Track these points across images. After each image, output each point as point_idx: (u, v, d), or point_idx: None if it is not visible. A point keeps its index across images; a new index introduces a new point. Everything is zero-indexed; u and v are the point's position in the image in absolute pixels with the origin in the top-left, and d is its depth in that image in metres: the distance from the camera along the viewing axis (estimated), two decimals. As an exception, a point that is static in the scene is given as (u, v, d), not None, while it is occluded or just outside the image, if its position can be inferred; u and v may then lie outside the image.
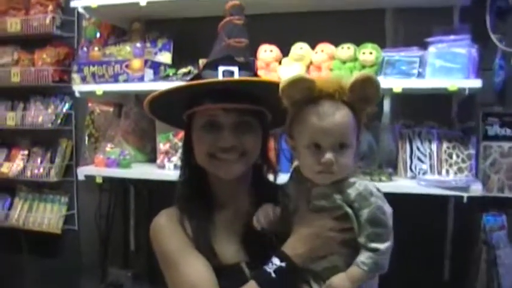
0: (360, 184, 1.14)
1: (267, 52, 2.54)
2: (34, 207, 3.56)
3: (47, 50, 3.41)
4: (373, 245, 1.10)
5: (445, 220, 2.65)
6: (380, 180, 2.34)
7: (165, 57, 2.89)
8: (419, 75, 2.30)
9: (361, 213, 1.11)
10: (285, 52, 2.55)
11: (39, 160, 3.54)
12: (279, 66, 2.53)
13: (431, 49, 2.31)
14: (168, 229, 1.31)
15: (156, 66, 2.75)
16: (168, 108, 1.34)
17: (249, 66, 1.37)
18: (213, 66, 1.27)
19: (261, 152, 1.33)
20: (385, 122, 2.72)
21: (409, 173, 2.42)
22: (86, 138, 3.23)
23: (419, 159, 2.42)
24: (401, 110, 2.69)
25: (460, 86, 2.17)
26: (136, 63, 2.65)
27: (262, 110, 1.30)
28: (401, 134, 2.46)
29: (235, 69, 1.26)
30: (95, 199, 3.35)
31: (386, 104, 2.71)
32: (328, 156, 1.10)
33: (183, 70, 2.70)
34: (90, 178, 2.83)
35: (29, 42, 3.49)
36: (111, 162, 2.79)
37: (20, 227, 3.52)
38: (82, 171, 2.83)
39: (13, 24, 3.39)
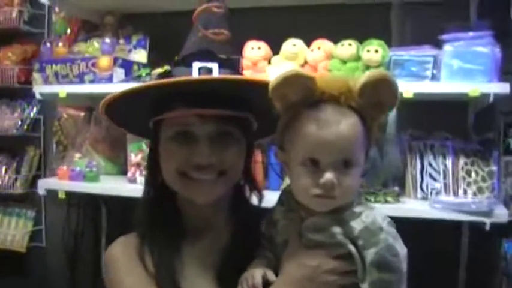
0: (367, 216, 0.95)
1: (254, 49, 2.24)
2: (-1, 222, 3.23)
3: (13, 47, 3.12)
4: None
5: (459, 245, 2.37)
6: (386, 202, 2.02)
7: (140, 56, 2.57)
8: (434, 77, 2.00)
9: (366, 254, 0.93)
10: (276, 50, 2.26)
11: (3, 170, 3.21)
12: (268, 65, 2.26)
13: (448, 47, 1.99)
14: (123, 263, 1.13)
15: (128, 65, 2.42)
16: (131, 114, 1.16)
17: (231, 64, 1.17)
18: (187, 62, 1.09)
19: (244, 168, 1.16)
20: (390, 132, 2.39)
21: (419, 193, 2.10)
22: (54, 146, 2.92)
23: (431, 176, 2.10)
24: (409, 118, 2.38)
25: (483, 91, 1.86)
26: (104, 61, 2.33)
27: (246, 117, 1.12)
28: (410, 147, 2.15)
29: (214, 66, 1.08)
30: (64, 214, 3.06)
31: (392, 112, 2.37)
32: (329, 176, 0.91)
33: (159, 70, 2.34)
34: (52, 193, 2.48)
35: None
36: (76, 174, 2.46)
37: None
38: (43, 185, 2.50)
39: (-23, 20, 3.07)
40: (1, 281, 3.26)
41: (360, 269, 0.94)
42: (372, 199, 2.01)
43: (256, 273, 1.02)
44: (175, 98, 1.05)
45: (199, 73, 1.06)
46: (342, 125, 0.92)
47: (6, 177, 3.15)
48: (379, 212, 0.98)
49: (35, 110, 3.14)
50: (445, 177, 2.07)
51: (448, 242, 2.34)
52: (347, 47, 2.06)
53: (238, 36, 2.20)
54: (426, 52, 2.02)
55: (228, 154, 1.09)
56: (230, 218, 1.19)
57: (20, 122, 3.11)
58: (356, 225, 0.94)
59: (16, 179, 3.13)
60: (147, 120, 1.13)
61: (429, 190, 2.08)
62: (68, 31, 2.83)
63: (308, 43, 2.20)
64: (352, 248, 0.94)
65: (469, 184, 2.03)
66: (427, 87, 1.95)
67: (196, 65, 1.06)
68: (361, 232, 0.93)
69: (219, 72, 1.07)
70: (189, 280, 1.10)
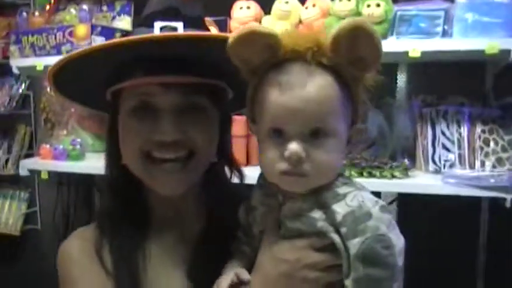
0: (353, 198, 0.80)
1: (243, 9, 2.04)
2: (-8, 205, 3.11)
3: (-3, 20, 2.91)
4: None
5: (477, 224, 2.18)
6: (393, 177, 1.80)
7: (124, 23, 2.38)
8: (445, 34, 1.76)
9: (350, 244, 0.77)
10: (267, 9, 2.05)
11: (-6, 149, 3.06)
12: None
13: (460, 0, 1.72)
14: (77, 260, 1.01)
15: (108, 32, 2.23)
16: (83, 84, 1.00)
17: (199, 23, 1.00)
18: (148, 21, 0.95)
19: (219, 145, 1.01)
20: (400, 98, 2.21)
21: (431, 166, 1.87)
22: (43, 123, 2.77)
23: (444, 147, 1.87)
24: (420, 82, 2.20)
25: (502, 47, 1.61)
26: (81, 29, 2.15)
27: (218, 84, 0.97)
28: (421, 114, 1.92)
29: (178, 25, 0.93)
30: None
31: (402, 75, 2.22)
32: (293, 147, 0.77)
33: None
34: (34, 173, 2.33)
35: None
36: (59, 153, 2.30)
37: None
38: (25, 165, 2.34)
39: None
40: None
41: (345, 263, 0.78)
42: (377, 174, 1.80)
43: (223, 283, 0.88)
44: (134, 64, 0.91)
45: (162, 32, 0.92)
46: (308, 87, 0.77)
47: (-2, 156, 3.02)
48: (369, 194, 0.81)
49: (23, 86, 2.98)
50: (459, 148, 1.84)
51: (466, 220, 2.15)
52: (345, 3, 1.83)
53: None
54: (436, 6, 1.78)
55: (197, 129, 0.94)
56: (203, 204, 1.04)
57: (8, 100, 2.95)
58: (339, 209, 0.78)
59: (7, 160, 2.99)
60: (103, 91, 0.99)
61: (442, 162, 1.85)
62: (52, 1, 2.66)
63: (303, 0, 1.97)
64: (335, 237, 0.79)
65: (486, 155, 1.80)
66: (437, 44, 1.71)
67: (158, 25, 0.92)
68: (345, 218, 0.77)
69: (186, 32, 0.93)
70: (154, 276, 0.98)
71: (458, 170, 1.78)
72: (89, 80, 0.99)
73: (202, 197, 1.05)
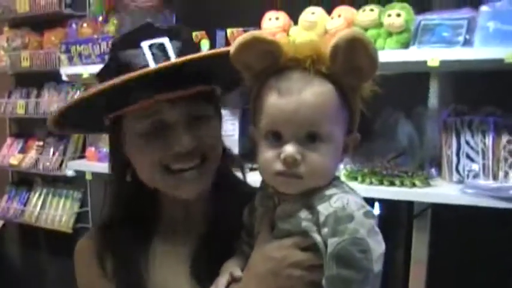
0: (337, 199, 0.82)
1: (272, 20, 2.08)
2: (48, 203, 3.33)
3: (55, 31, 3.13)
4: None
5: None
6: (413, 185, 1.78)
7: (166, 32, 2.44)
8: (467, 42, 1.73)
9: (328, 243, 0.80)
10: (295, 20, 2.08)
11: (51, 151, 3.25)
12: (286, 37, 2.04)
13: (484, 8, 1.72)
14: (79, 265, 1.07)
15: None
16: (81, 118, 1.03)
17: (178, 32, 1.01)
18: (132, 42, 0.95)
19: None
20: (432, 108, 2.15)
21: (455, 176, 1.85)
22: (93, 127, 2.87)
23: (468, 157, 1.84)
24: (453, 92, 2.14)
25: (522, 56, 1.57)
26: (123, 39, 2.22)
27: (213, 89, 1.00)
28: (446, 124, 1.88)
29: (163, 40, 0.94)
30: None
31: (434, 85, 2.14)
32: (289, 149, 0.81)
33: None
34: (80, 174, 2.47)
35: (39, 24, 3.23)
36: (103, 156, 2.44)
37: (32, 224, 3.29)
38: (72, 166, 2.49)
39: (22, 5, 3.14)
40: (49, 261, 3.36)
41: (325, 262, 0.81)
42: (398, 182, 1.80)
43: (220, 283, 0.92)
44: (133, 88, 0.91)
45: (151, 51, 0.93)
46: (305, 93, 0.80)
47: (54, 159, 3.20)
48: (355, 198, 0.84)
49: (78, 92, 3.13)
50: (484, 158, 1.81)
51: (495, 235, 2.04)
52: (368, 13, 1.85)
53: (257, 7, 2.06)
54: (460, 15, 1.76)
55: (207, 135, 0.97)
56: (210, 204, 1.07)
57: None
58: (323, 209, 0.81)
59: (62, 161, 3.16)
60: (101, 117, 1.01)
61: (465, 172, 1.82)
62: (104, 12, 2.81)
63: (330, 11, 2.00)
64: (317, 237, 0.82)
65: (511, 166, 1.75)
66: (456, 53, 1.69)
67: (145, 44, 0.93)
68: (327, 218, 0.80)
69: (174, 46, 0.94)
70: (160, 275, 1.01)
71: (481, 181, 1.75)
72: (87, 111, 0.99)
73: (211, 197, 1.06)
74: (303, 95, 0.80)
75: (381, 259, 0.79)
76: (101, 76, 1.00)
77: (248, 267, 0.91)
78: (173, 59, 0.92)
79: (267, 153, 0.84)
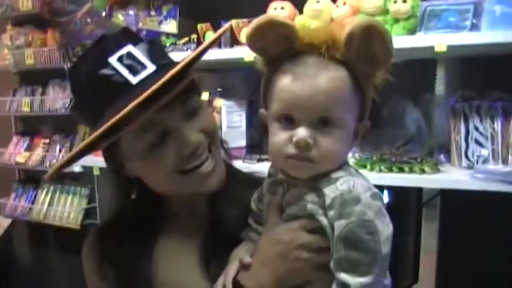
0: (344, 182, 0.83)
1: (277, 10, 2.08)
2: (55, 200, 3.33)
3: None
4: (343, 276, 0.79)
5: None
6: (422, 172, 1.77)
7: (171, 26, 2.47)
8: (474, 27, 1.72)
9: (335, 225, 0.81)
10: (301, 9, 2.07)
11: (57, 149, 3.26)
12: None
13: (491, -8, 1.69)
14: (86, 269, 1.06)
15: (154, 36, 2.32)
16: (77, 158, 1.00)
17: (133, 35, 0.99)
18: (98, 62, 0.90)
19: None
20: (439, 94, 2.14)
21: (464, 162, 1.83)
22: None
23: (477, 142, 1.82)
24: (460, 78, 2.13)
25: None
26: (128, 33, 2.22)
27: (193, 77, 0.96)
28: (454, 110, 1.87)
29: (129, 48, 0.90)
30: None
31: (441, 71, 2.13)
32: (302, 132, 0.81)
33: (184, 39, 2.26)
34: (88, 169, 2.47)
35: (42, 21, 3.18)
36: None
37: (40, 221, 3.30)
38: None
39: (24, 2, 3.13)
40: (58, 257, 3.37)
41: (332, 245, 0.82)
42: (407, 169, 1.79)
43: (230, 272, 0.92)
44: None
45: (123, 64, 0.88)
46: (320, 78, 0.81)
47: (60, 156, 3.20)
48: (362, 181, 0.84)
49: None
50: (493, 143, 1.80)
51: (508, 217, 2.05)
52: (373, 0, 1.83)
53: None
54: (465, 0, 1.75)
55: (206, 123, 0.97)
56: (214, 194, 1.04)
57: (69, 101, 3.12)
58: (330, 192, 0.82)
59: (69, 158, 3.16)
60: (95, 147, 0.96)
61: (475, 158, 1.81)
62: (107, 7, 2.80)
63: (334, -1, 1.99)
64: (323, 219, 0.83)
65: (521, 150, 1.75)
66: (463, 38, 1.68)
67: (113, 60, 0.88)
68: (333, 200, 0.81)
69: (140, 50, 0.91)
70: (167, 268, 1.00)
71: (490, 166, 1.75)
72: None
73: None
74: (317, 79, 0.80)
75: (389, 241, 0.80)
76: (83, 109, 0.97)
77: (256, 252, 0.91)
78: (148, 64, 0.90)
79: (278, 136, 0.84)
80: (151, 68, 0.90)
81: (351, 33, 0.79)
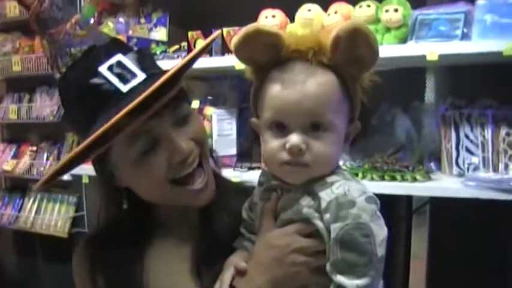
0: (339, 186, 0.84)
1: (268, 18, 2.06)
2: (43, 208, 3.28)
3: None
4: (339, 278, 0.80)
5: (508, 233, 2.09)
6: (414, 180, 1.78)
7: (161, 34, 2.46)
8: (465, 36, 1.73)
9: (331, 228, 0.81)
10: (292, 17, 2.07)
11: (45, 156, 3.23)
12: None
13: (481, 1, 1.72)
14: (77, 280, 1.06)
15: (144, 44, 2.33)
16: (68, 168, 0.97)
17: (122, 44, 0.99)
18: (88, 71, 0.89)
19: None
20: (428, 102, 2.17)
21: (455, 169, 1.85)
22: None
23: (468, 150, 1.84)
24: (449, 86, 2.15)
25: (520, 49, 1.57)
26: (118, 41, 2.20)
27: (181, 85, 0.96)
28: (444, 118, 1.88)
29: (118, 57, 0.90)
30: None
31: (430, 79, 2.18)
32: (294, 139, 0.82)
33: (175, 47, 2.25)
34: (77, 178, 2.44)
35: (30, 28, 3.14)
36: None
37: (27, 230, 3.24)
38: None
39: (11, 8, 3.10)
40: (45, 266, 3.32)
41: (328, 248, 0.83)
42: (399, 177, 1.80)
43: (225, 278, 0.92)
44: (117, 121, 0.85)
45: (113, 73, 0.88)
46: (308, 83, 0.82)
47: (48, 164, 3.17)
48: (357, 185, 0.85)
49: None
50: (483, 151, 1.81)
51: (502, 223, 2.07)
52: (365, 9, 1.84)
53: (253, 5, 2.05)
54: (456, 8, 1.76)
55: (196, 130, 0.97)
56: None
57: (57, 108, 3.10)
58: (325, 196, 0.83)
59: (57, 166, 3.12)
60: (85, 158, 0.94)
61: (466, 166, 1.83)
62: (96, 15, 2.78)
63: (326, 8, 1.99)
64: (319, 223, 0.84)
65: (511, 158, 1.76)
66: (455, 47, 1.69)
67: (103, 68, 0.88)
68: (329, 204, 0.82)
69: (130, 59, 0.90)
70: (159, 277, 1.00)
71: (481, 173, 1.76)
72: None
73: None
74: (306, 85, 0.82)
75: (384, 243, 0.81)
76: (74, 121, 0.96)
77: (252, 257, 0.91)
78: (138, 73, 0.89)
79: (271, 144, 0.85)
80: (141, 76, 0.89)
81: (336, 38, 0.80)
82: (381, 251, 0.80)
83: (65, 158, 0.89)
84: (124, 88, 0.88)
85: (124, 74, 0.89)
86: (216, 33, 0.89)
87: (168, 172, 0.93)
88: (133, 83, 0.88)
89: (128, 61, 0.90)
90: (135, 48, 0.98)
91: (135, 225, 1.03)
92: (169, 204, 1.00)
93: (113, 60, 0.89)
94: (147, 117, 0.87)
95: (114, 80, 0.88)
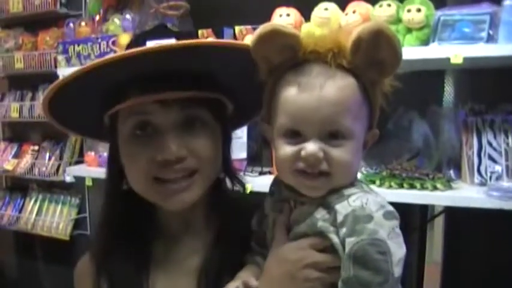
0: (356, 199, 0.78)
1: (282, 17, 2.00)
2: (44, 209, 3.20)
3: (50, 31, 3.02)
4: None
5: None
6: (435, 188, 1.70)
7: (169, 32, 2.36)
8: (490, 39, 1.65)
9: (345, 243, 0.76)
10: (307, 16, 2.00)
11: (47, 156, 3.14)
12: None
13: (508, 2, 1.64)
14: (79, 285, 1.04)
15: (151, 41, 2.22)
16: (82, 110, 0.95)
17: (190, 37, 0.94)
18: (139, 42, 0.88)
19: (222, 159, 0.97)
20: (447, 106, 2.12)
21: (476, 178, 1.77)
22: (91, 130, 2.78)
23: (491, 158, 1.77)
24: (469, 90, 2.09)
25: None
26: (125, 38, 2.17)
27: (217, 97, 0.92)
28: (466, 124, 1.81)
29: (170, 41, 0.87)
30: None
31: (449, 82, 2.11)
32: (311, 147, 0.77)
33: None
34: (80, 180, 2.37)
35: (34, 24, 3.12)
36: (103, 161, 2.33)
37: (28, 231, 3.17)
38: (71, 171, 2.39)
39: (15, 4, 3.02)
40: (46, 270, 3.26)
41: (342, 263, 0.77)
42: (418, 185, 1.72)
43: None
44: (129, 84, 0.86)
45: None
46: (327, 88, 0.77)
47: (50, 164, 3.09)
48: (376, 198, 0.79)
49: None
50: (507, 159, 1.74)
51: None
52: (385, 8, 1.76)
53: (267, 3, 1.98)
54: (481, 10, 1.68)
55: (200, 144, 0.90)
56: (210, 214, 1.02)
57: (60, 108, 3.02)
58: (342, 209, 0.78)
59: (59, 166, 3.05)
60: (100, 117, 0.94)
61: (488, 174, 1.75)
62: (101, 11, 2.72)
63: (343, 7, 1.92)
64: (334, 237, 0.78)
65: (537, 167, 1.69)
66: (481, 50, 1.61)
67: (150, 43, 0.85)
68: (346, 218, 0.77)
69: None
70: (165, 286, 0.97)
71: (505, 183, 1.68)
72: (86, 104, 0.93)
73: (210, 207, 1.01)
74: (324, 90, 0.77)
75: (402, 263, 0.75)
76: None
77: (263, 273, 0.87)
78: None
79: (285, 151, 0.80)
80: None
81: (357, 39, 0.76)
82: (398, 270, 0.74)
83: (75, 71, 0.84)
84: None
85: None
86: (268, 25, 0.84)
87: (150, 168, 0.88)
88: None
89: None
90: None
91: (140, 233, 0.99)
92: (150, 200, 0.94)
93: (164, 41, 0.86)
94: (153, 100, 0.85)
95: None
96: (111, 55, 0.81)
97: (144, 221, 1.00)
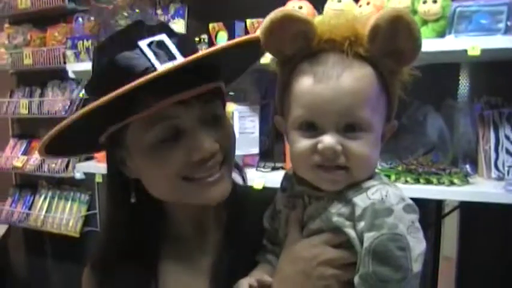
0: (375, 191, 0.75)
1: (295, 9, 1.90)
2: (53, 206, 3.21)
3: (58, 26, 3.01)
4: None
5: None
6: (451, 183, 1.67)
7: (179, 25, 2.38)
8: (508, 30, 1.61)
9: (364, 238, 0.73)
10: (320, 8, 1.91)
11: (56, 153, 3.12)
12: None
13: (527, -8, 1.59)
14: None
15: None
16: (74, 139, 0.90)
17: (171, 28, 0.92)
18: (126, 43, 0.84)
19: None
20: (462, 100, 2.07)
21: (493, 172, 1.75)
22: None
23: (508, 152, 1.74)
24: (484, 83, 2.05)
25: None
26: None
27: (221, 85, 0.90)
28: (482, 117, 1.78)
29: (162, 37, 0.84)
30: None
31: (464, 75, 2.07)
32: (328, 140, 0.74)
33: (194, 40, 2.14)
34: (90, 176, 2.36)
35: (42, 20, 3.11)
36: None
37: (38, 228, 3.17)
38: (80, 168, 2.37)
39: (23, 0, 3.02)
40: (55, 266, 3.25)
41: (359, 259, 0.75)
42: (435, 180, 1.69)
43: (243, 285, 0.85)
44: (142, 93, 0.79)
45: (152, 50, 0.82)
46: (344, 78, 0.73)
47: (60, 161, 3.07)
48: (395, 191, 0.77)
49: (83, 90, 3.02)
50: (525, 153, 1.71)
51: None
52: (400, -1, 1.73)
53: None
54: (499, 0, 1.65)
55: (225, 134, 0.89)
56: (220, 211, 0.99)
57: (69, 103, 3.01)
58: (360, 202, 0.75)
59: (69, 162, 3.04)
60: (97, 133, 0.90)
61: (505, 168, 1.72)
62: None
63: (356, -2, 1.88)
64: (351, 232, 0.76)
65: (556, 161, 1.65)
66: (498, 42, 1.58)
67: (143, 44, 0.83)
68: (364, 211, 0.74)
69: (175, 43, 0.85)
70: None
71: (523, 177, 1.65)
72: (82, 130, 0.86)
73: (221, 206, 0.97)
74: (341, 80, 0.73)
75: (421, 258, 0.73)
76: (96, 88, 0.88)
77: (276, 271, 0.84)
78: (178, 56, 0.83)
79: (300, 144, 0.77)
80: (180, 60, 0.82)
81: (375, 26, 0.72)
82: (417, 266, 0.72)
83: (77, 112, 0.80)
84: (159, 66, 0.81)
85: (162, 54, 0.83)
86: (279, 10, 0.80)
87: (183, 169, 0.85)
88: (170, 64, 0.81)
89: (171, 43, 0.84)
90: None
91: (146, 238, 0.96)
92: (178, 202, 0.92)
93: (155, 38, 0.83)
94: (178, 101, 0.81)
95: (151, 56, 0.82)
96: (122, 89, 0.75)
97: (151, 229, 0.97)
